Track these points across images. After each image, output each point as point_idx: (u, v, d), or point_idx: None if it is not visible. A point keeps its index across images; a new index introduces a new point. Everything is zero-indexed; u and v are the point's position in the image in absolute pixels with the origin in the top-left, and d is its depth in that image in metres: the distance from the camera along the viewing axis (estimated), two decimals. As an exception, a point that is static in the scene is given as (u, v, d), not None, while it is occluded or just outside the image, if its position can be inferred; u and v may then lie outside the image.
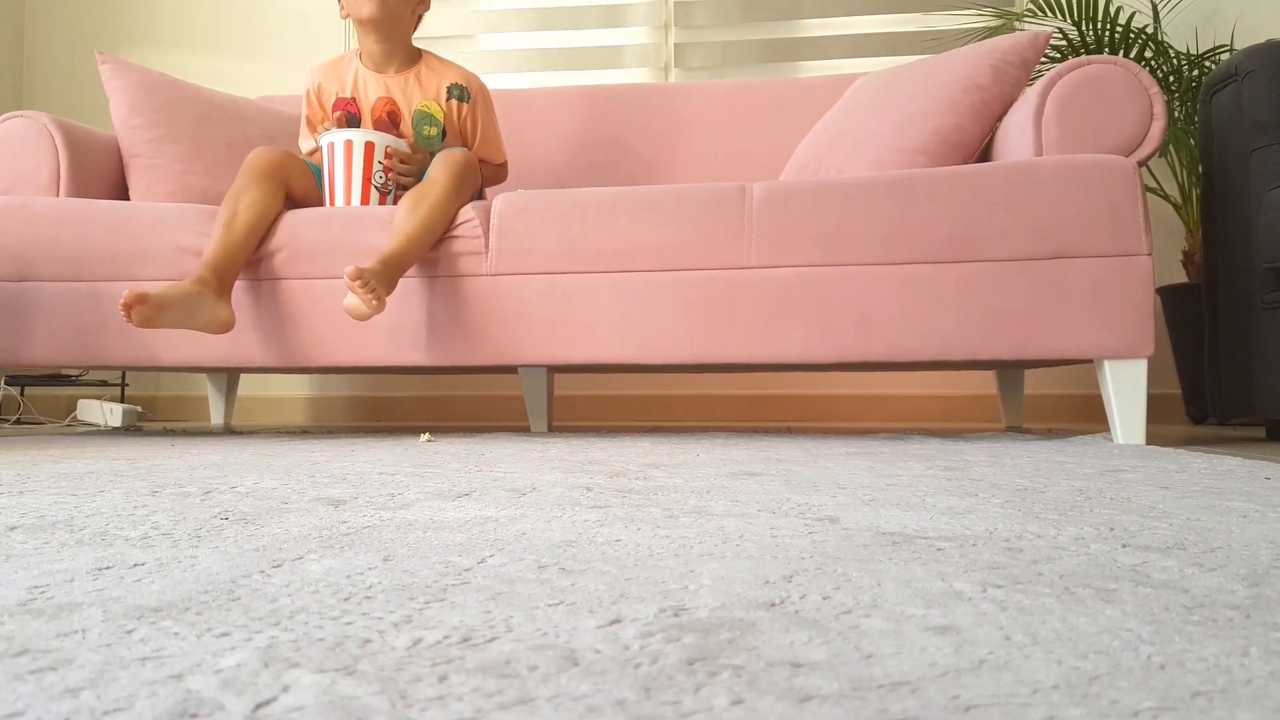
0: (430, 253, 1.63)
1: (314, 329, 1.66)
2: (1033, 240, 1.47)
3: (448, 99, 1.84)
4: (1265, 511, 0.63)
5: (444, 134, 1.84)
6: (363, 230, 1.64)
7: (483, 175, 1.83)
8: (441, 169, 1.65)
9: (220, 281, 1.55)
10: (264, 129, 2.10)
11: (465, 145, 1.87)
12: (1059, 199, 1.46)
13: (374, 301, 1.44)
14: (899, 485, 0.80)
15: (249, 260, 1.65)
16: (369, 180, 1.72)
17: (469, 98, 1.85)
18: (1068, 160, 1.47)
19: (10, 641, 0.31)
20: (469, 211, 1.64)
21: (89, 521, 0.59)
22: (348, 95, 1.84)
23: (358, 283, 1.42)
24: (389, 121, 1.82)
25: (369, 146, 1.71)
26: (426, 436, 1.57)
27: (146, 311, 1.41)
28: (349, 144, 1.71)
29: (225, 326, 1.55)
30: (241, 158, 1.99)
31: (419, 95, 1.83)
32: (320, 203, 1.78)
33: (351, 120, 1.83)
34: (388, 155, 1.73)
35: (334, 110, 1.84)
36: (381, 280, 1.47)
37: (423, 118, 1.83)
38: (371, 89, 1.83)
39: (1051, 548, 0.49)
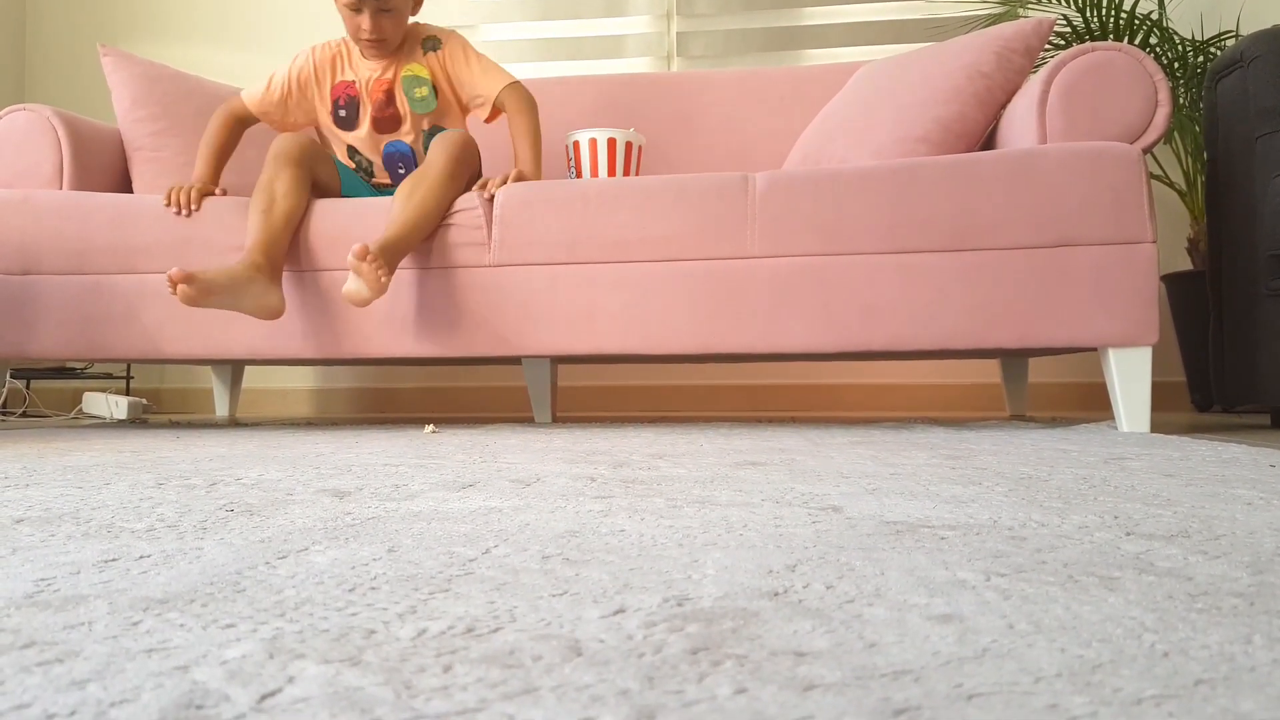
0: (432, 244, 1.62)
1: (317, 322, 1.66)
2: (1036, 228, 1.46)
3: (424, 54, 1.83)
4: (1270, 499, 0.63)
5: (435, 90, 1.83)
6: (368, 221, 1.64)
7: (512, 107, 1.79)
8: (439, 152, 1.64)
9: (272, 265, 1.56)
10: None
11: (456, 94, 1.85)
12: (1063, 187, 1.46)
13: (382, 279, 1.44)
14: (902, 474, 0.80)
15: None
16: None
17: (439, 45, 1.84)
18: (1071, 148, 1.46)
19: (17, 634, 0.32)
20: (471, 200, 1.63)
21: (95, 514, 0.59)
22: (348, 79, 1.84)
23: (365, 261, 1.41)
24: (385, 100, 1.82)
25: (611, 143, 1.75)
26: (431, 428, 1.58)
27: (192, 292, 1.42)
28: (593, 141, 1.76)
29: (275, 313, 1.55)
30: (241, 150, 1.99)
31: (406, 60, 1.83)
32: (339, 193, 1.79)
33: (350, 103, 1.83)
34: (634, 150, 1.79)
35: (333, 95, 1.84)
36: (385, 259, 1.47)
37: (410, 81, 1.82)
38: (369, 73, 1.83)
39: (1055, 536, 0.49)
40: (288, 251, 1.63)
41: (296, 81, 1.84)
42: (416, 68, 1.82)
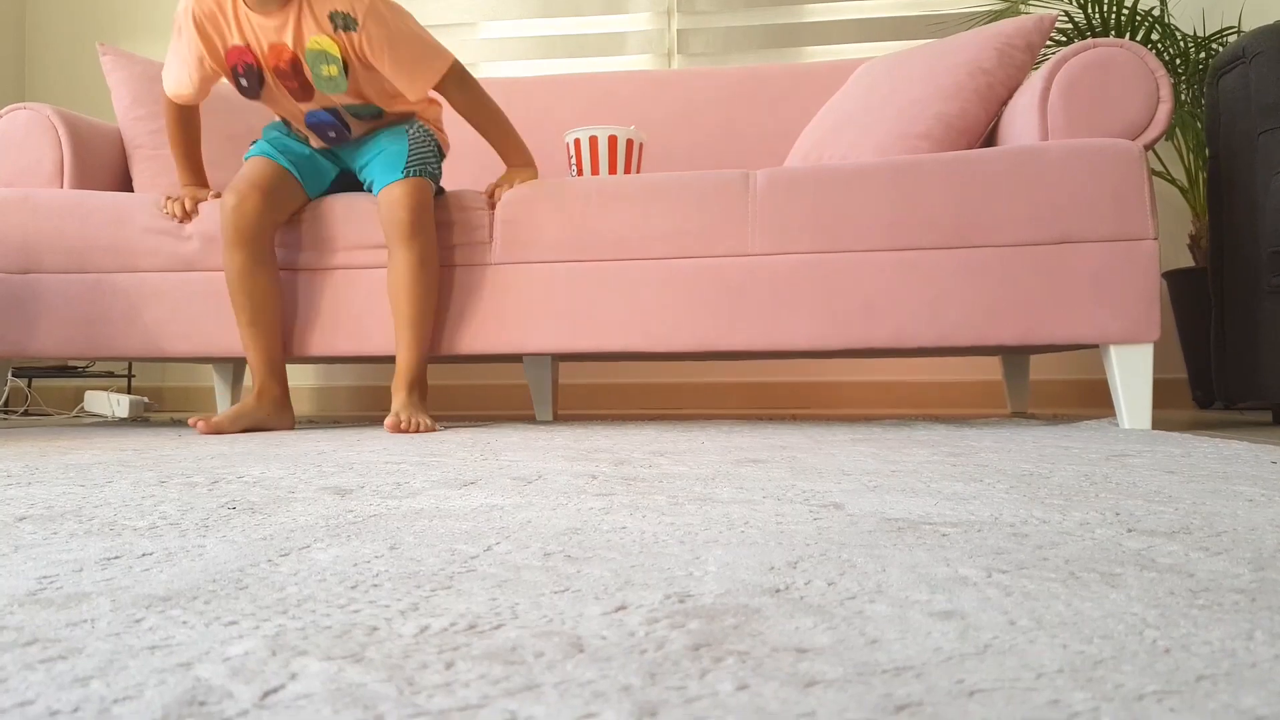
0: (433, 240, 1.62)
1: (318, 319, 1.66)
2: (1038, 225, 1.46)
3: (335, 31, 1.51)
4: (1271, 495, 0.63)
5: (346, 69, 1.55)
6: (357, 220, 1.64)
7: (462, 107, 1.60)
8: (396, 235, 1.55)
9: (280, 383, 1.62)
10: (265, 118, 2.09)
11: (372, 77, 1.58)
12: (1064, 183, 1.46)
13: (428, 424, 1.48)
14: (904, 471, 0.80)
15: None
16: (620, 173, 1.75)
17: (354, 25, 1.50)
18: (1073, 144, 1.46)
19: (20, 631, 0.32)
20: (475, 200, 1.63)
21: (97, 512, 0.59)
22: (239, 43, 1.54)
23: (402, 432, 1.45)
24: (290, 72, 1.55)
25: (612, 140, 1.74)
26: None
27: (212, 430, 1.48)
28: (594, 139, 1.74)
29: (287, 428, 1.61)
30: (242, 149, 1.98)
31: (311, 28, 1.51)
32: (306, 200, 1.69)
33: (250, 72, 1.56)
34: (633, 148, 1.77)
35: (228, 62, 1.57)
36: (416, 406, 1.54)
37: (317, 57, 1.53)
38: (261, 34, 1.53)
39: (1057, 533, 0.49)
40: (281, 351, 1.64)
41: (198, 59, 1.58)
42: (324, 41, 1.51)
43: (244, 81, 1.58)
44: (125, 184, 1.94)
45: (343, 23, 1.51)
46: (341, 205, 1.66)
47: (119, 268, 1.69)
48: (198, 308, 1.67)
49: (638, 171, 1.79)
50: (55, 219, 1.70)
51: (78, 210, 1.70)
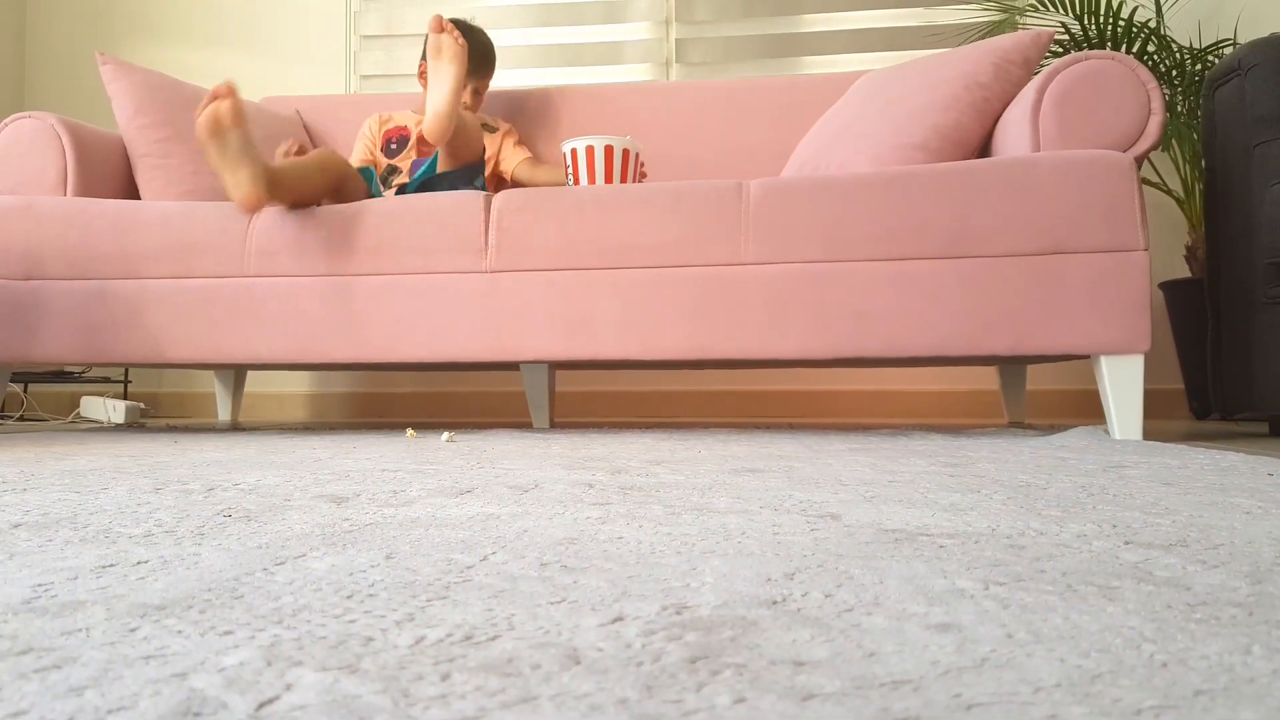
0: (430, 247, 1.62)
1: (316, 325, 1.66)
2: (1030, 236, 1.47)
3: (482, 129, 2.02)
4: (1268, 508, 0.63)
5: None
6: (361, 228, 1.64)
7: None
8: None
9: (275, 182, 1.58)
10: (264, 130, 2.10)
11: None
12: (1056, 195, 1.46)
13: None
14: (901, 482, 0.80)
15: (257, 252, 1.65)
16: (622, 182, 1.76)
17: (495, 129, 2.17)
18: (1064, 156, 1.47)
19: (14, 640, 0.32)
20: (470, 205, 1.64)
21: (92, 519, 0.59)
22: (401, 124, 2.11)
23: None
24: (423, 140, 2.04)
25: (609, 150, 1.75)
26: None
27: (228, 113, 1.49)
28: (590, 149, 1.75)
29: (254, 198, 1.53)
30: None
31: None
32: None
33: (403, 141, 2.08)
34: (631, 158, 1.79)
35: (385, 135, 2.10)
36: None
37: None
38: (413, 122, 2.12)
39: (1054, 545, 0.49)
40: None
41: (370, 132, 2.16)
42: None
43: (393, 145, 2.13)
44: (129, 192, 1.94)
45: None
46: (345, 212, 1.66)
47: (121, 274, 1.69)
48: (200, 314, 1.67)
49: (635, 181, 1.79)
50: (58, 226, 1.70)
51: (80, 218, 1.70)
